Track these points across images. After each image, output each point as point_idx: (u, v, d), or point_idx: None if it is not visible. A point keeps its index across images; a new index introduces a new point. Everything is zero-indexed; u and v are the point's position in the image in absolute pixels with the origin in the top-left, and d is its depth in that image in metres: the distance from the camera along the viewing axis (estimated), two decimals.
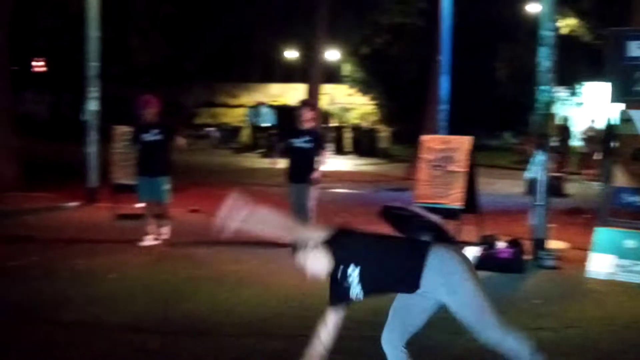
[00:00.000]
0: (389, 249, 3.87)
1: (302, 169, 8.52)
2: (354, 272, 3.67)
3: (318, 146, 8.64)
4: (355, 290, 3.69)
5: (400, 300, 3.89)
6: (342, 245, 3.74)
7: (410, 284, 3.72)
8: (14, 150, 13.71)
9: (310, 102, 9.16)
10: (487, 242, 7.99)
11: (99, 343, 5.08)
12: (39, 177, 14.10)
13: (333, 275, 3.72)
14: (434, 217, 8.45)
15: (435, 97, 16.27)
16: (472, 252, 7.79)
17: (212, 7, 27.77)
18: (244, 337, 5.31)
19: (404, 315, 3.88)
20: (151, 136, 8.46)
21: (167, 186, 8.57)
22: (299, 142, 8.58)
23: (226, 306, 6.12)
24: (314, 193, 8.62)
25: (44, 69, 35.75)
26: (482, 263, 7.65)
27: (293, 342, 5.20)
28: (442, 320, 5.91)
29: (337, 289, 3.73)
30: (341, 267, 3.69)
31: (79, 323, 5.50)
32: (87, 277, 6.97)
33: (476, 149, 9.23)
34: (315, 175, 8.52)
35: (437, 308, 3.86)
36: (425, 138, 9.63)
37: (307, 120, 8.66)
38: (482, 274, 7.38)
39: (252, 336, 5.34)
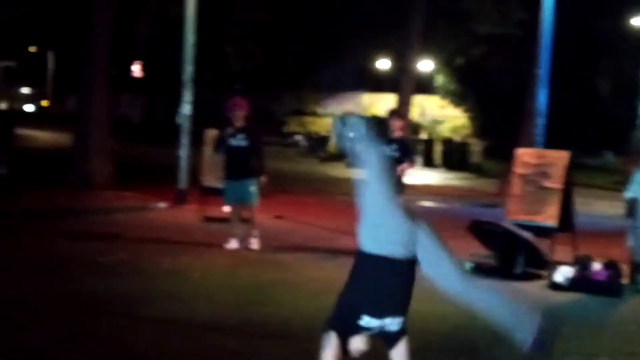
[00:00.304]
0: (358, 281, 3.60)
1: None
2: (365, 320, 3.49)
3: (405, 155, 8.50)
4: (388, 323, 3.51)
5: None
6: (340, 320, 3.59)
7: (406, 269, 3.52)
8: (109, 151, 14.22)
9: (399, 111, 9.04)
10: (581, 263, 7.58)
11: (181, 339, 5.12)
12: (131, 178, 14.57)
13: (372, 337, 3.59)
14: (526, 235, 8.16)
15: (532, 111, 15.75)
16: (564, 273, 7.42)
17: (305, 16, 28.05)
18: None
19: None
20: (237, 141, 8.46)
21: (254, 188, 8.53)
22: (388, 151, 8.45)
23: (306, 312, 6.03)
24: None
25: (140, 73, 37.16)
26: (576, 284, 7.30)
27: (371, 351, 5.05)
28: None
29: (385, 339, 3.58)
30: (361, 327, 3.52)
31: (163, 319, 5.56)
32: (172, 275, 7.06)
33: (574, 167, 8.88)
34: (402, 169, 8.35)
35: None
36: (520, 152, 9.28)
37: (396, 129, 8.57)
38: (575, 295, 7.11)
39: None
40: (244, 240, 8.55)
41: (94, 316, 5.50)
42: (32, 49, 45.19)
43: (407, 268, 3.55)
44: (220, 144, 8.66)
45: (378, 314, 3.48)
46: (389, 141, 8.52)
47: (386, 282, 3.51)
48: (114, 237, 8.75)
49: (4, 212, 10.08)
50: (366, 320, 3.48)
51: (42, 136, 29.04)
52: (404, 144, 8.71)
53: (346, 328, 3.55)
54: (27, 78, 52.91)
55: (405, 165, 8.52)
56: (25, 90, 56.93)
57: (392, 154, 8.42)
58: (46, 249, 7.91)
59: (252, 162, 8.53)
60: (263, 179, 8.54)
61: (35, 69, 47.01)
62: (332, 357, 3.60)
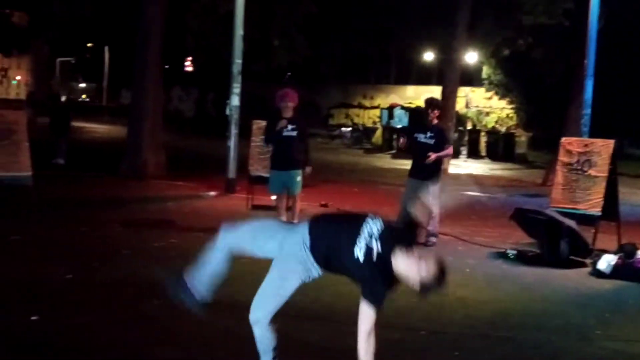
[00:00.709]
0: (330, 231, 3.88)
1: (424, 165, 8.50)
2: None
3: (441, 142, 8.60)
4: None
5: None
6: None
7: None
8: (161, 142, 14.64)
9: (435, 100, 9.12)
10: (625, 251, 7.59)
11: (228, 320, 5.32)
12: (182, 168, 14.97)
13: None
14: (570, 222, 8.19)
15: (579, 101, 15.58)
16: (608, 260, 7.44)
17: (351, 9, 28.10)
18: None
19: None
20: (287, 132, 8.56)
21: (299, 179, 8.71)
22: (423, 138, 8.59)
23: (350, 296, 6.07)
24: (435, 191, 8.52)
25: (190, 68, 37.78)
26: (619, 272, 7.31)
27: (412, 336, 5.24)
28: (571, 325, 5.79)
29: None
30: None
31: (212, 301, 5.78)
32: None
33: (621, 157, 8.82)
34: (432, 157, 8.42)
35: None
36: (565, 140, 9.30)
37: (432, 118, 8.66)
38: (618, 283, 7.14)
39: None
40: None
41: (146, 298, 5.74)
42: (89, 44, 46.33)
43: None
44: (272, 134, 8.80)
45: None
46: (425, 129, 8.65)
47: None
48: (167, 224, 9.08)
49: (62, 201, 10.53)
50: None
51: (95, 129, 29.86)
52: (440, 131, 8.79)
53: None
54: (85, 72, 54.40)
55: (446, 150, 8.63)
56: (82, 84, 58.58)
57: (427, 141, 8.56)
58: (102, 235, 8.22)
59: (299, 152, 8.70)
60: (308, 169, 8.71)
61: (92, 64, 48.23)
62: None
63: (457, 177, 18.46)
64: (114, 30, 29.32)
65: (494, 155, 25.18)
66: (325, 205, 11.32)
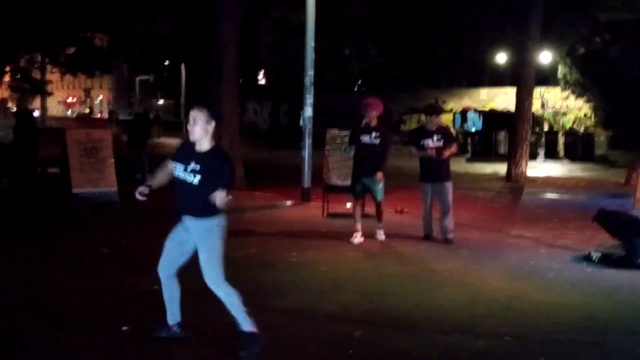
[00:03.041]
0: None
1: (434, 167, 8.83)
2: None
3: (448, 142, 8.92)
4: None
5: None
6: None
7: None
8: (238, 154, 14.93)
9: (437, 105, 9.33)
10: None
11: (309, 328, 5.40)
12: (259, 179, 15.25)
13: None
14: None
15: None
16: None
17: (421, 13, 27.93)
18: (447, 334, 5.35)
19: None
20: (370, 139, 8.71)
21: (381, 185, 8.78)
22: (432, 143, 8.86)
23: (430, 303, 6.21)
24: (450, 188, 8.95)
25: (263, 81, 38.40)
26: None
27: (496, 343, 5.18)
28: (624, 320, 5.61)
29: None
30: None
31: (291, 309, 5.88)
32: (299, 268, 7.41)
33: None
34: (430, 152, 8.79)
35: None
36: None
37: (436, 123, 8.97)
38: None
39: (455, 334, 5.37)
40: (373, 234, 8.91)
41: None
42: (166, 62, 47.81)
43: None
44: (353, 140, 8.99)
45: None
46: (431, 133, 8.90)
47: None
48: (246, 234, 9.26)
49: (146, 214, 10.87)
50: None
51: (173, 144, 30.69)
52: (446, 132, 9.17)
53: None
54: (163, 89, 56.16)
55: (450, 149, 8.86)
56: (160, 101, 60.54)
57: (437, 144, 8.81)
58: None
59: (382, 159, 8.72)
60: (379, 175, 8.69)
61: (170, 81, 49.69)
62: None
63: (535, 179, 18.06)
64: (189, 48, 30.15)
65: (572, 156, 24.52)
66: (400, 212, 11.31)
